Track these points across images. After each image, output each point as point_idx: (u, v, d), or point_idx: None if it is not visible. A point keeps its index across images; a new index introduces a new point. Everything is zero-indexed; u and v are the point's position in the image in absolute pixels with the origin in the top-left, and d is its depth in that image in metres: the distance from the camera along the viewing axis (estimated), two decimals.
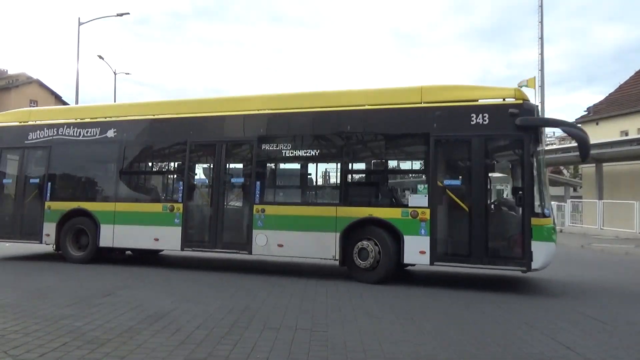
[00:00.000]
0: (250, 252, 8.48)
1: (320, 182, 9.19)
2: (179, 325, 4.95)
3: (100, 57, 29.09)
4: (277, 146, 8.68)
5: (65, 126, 10.20)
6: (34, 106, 54.39)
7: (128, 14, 22.43)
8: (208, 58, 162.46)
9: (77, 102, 21.65)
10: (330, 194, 8.94)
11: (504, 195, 7.75)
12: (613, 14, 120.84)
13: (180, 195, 9.14)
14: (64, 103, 55.11)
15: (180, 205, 9.01)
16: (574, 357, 4.28)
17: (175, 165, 9.87)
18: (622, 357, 4.37)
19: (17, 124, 10.80)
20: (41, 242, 9.93)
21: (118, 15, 21.74)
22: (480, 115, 7.42)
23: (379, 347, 4.38)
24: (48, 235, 9.85)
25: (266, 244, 8.35)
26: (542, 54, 41.67)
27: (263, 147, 8.72)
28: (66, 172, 10.41)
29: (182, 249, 8.97)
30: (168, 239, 8.99)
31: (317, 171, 8.90)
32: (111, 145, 9.73)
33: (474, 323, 5.41)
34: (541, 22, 40.78)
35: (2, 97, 51.90)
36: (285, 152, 8.68)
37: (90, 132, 9.93)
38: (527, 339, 4.77)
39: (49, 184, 10.07)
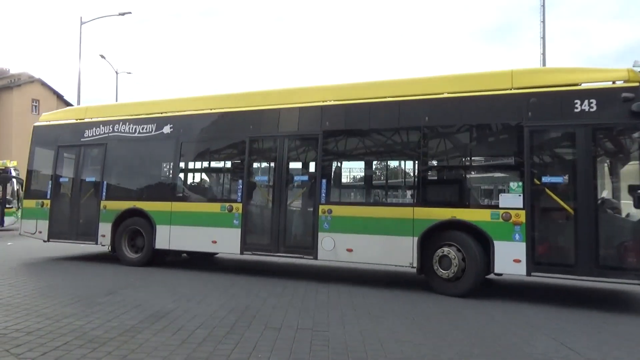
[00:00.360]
0: (315, 257, 7.75)
1: (394, 179, 8.49)
2: (180, 324, 4.95)
3: (102, 56, 29.13)
4: (344, 140, 8.05)
5: (121, 123, 9.80)
6: (35, 105, 54.51)
7: (130, 13, 22.45)
8: (210, 56, 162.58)
9: (79, 102, 21.67)
10: (406, 193, 8.15)
11: (616, 195, 6.79)
12: (616, 13, 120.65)
13: (240, 194, 8.44)
14: (67, 103, 55.26)
15: (240, 206, 8.34)
16: (575, 357, 4.27)
17: (235, 162, 9.21)
18: (623, 357, 4.36)
19: (73, 121, 10.53)
20: (97, 243, 9.64)
21: (120, 14, 21.76)
22: (586, 102, 6.33)
23: (380, 347, 4.38)
24: (103, 236, 9.54)
25: (333, 248, 7.59)
26: (544, 53, 41.51)
27: (329, 141, 8.01)
28: (122, 170, 9.95)
29: (241, 253, 8.30)
30: (226, 241, 8.37)
31: (391, 167, 8.20)
32: (167, 141, 9.25)
33: (476, 323, 5.41)
34: (543, 21, 40.62)
35: (4, 96, 52.02)
36: (354, 147, 8.06)
37: (146, 129, 9.50)
38: (529, 339, 4.77)
39: (105, 182, 9.74)
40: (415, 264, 7.07)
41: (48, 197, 10.33)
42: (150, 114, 9.63)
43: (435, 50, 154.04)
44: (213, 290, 6.97)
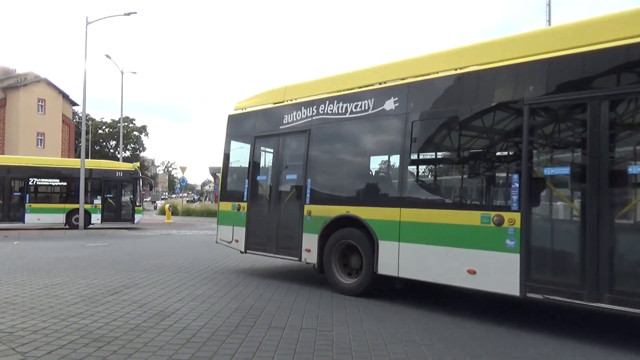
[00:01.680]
0: None
1: None
2: (185, 323, 4.97)
3: (107, 56, 29.26)
4: None
5: (327, 102, 7.48)
6: (41, 105, 54.85)
7: (135, 13, 22.45)
8: (213, 55, 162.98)
9: (84, 102, 21.73)
10: None
11: None
12: None
13: (516, 198, 5.24)
14: (73, 102, 55.55)
15: (516, 216, 5.20)
16: (581, 357, 4.26)
17: (503, 147, 5.95)
18: (629, 358, 4.34)
19: (270, 105, 8.60)
20: (300, 260, 7.47)
21: (125, 14, 21.80)
22: None
23: (384, 347, 4.38)
24: (308, 250, 7.32)
25: None
26: None
27: None
28: (329, 163, 7.66)
29: (522, 295, 5.09)
30: (493, 273, 5.35)
31: None
32: (391, 121, 6.70)
33: (481, 324, 5.39)
34: (549, 21, 40.69)
35: (11, 96, 52.35)
36: None
37: (361, 106, 7.00)
38: (534, 341, 4.75)
39: (309, 181, 7.51)
40: None
41: (245, 199, 8.57)
42: (366, 85, 7.21)
43: (441, 47, 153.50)
44: (217, 289, 6.99)
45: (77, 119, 58.17)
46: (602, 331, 5.29)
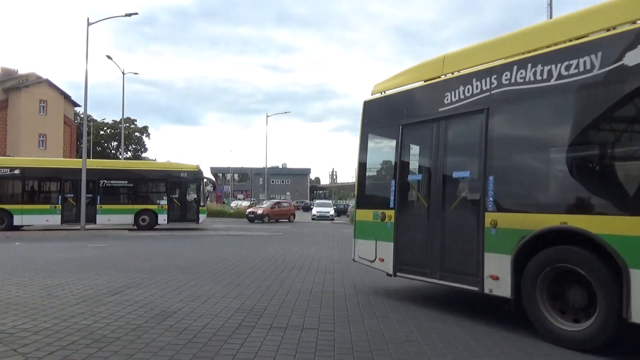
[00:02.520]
0: None
1: None
2: (186, 324, 4.97)
3: (108, 57, 29.25)
4: None
5: (515, 67, 5.36)
6: (43, 106, 54.91)
7: (136, 14, 22.45)
8: (215, 56, 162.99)
9: (85, 102, 21.77)
10: None
11: None
12: None
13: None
14: (74, 103, 55.60)
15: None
16: (582, 357, 4.24)
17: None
18: (632, 357, 4.32)
19: (421, 83, 6.72)
20: (481, 290, 5.38)
21: (126, 15, 21.82)
22: None
23: (386, 347, 4.37)
24: (495, 278, 5.22)
25: None
26: None
27: None
28: (527, 153, 5.47)
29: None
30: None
31: None
32: (628, 84, 4.41)
33: (482, 324, 5.38)
34: (550, 18, 40.77)
35: (13, 97, 52.38)
36: None
37: (577, 66, 4.75)
38: (536, 340, 4.74)
39: (491, 179, 5.41)
40: None
41: (391, 205, 6.79)
42: (574, 38, 4.95)
43: (442, 49, 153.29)
44: (218, 290, 6.98)
45: (78, 120, 58.23)
46: None
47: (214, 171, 78.46)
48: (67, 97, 55.69)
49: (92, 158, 45.10)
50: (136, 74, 33.82)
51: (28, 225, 20.91)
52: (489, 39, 6.29)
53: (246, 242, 16.05)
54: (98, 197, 20.84)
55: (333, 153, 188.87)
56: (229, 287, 7.17)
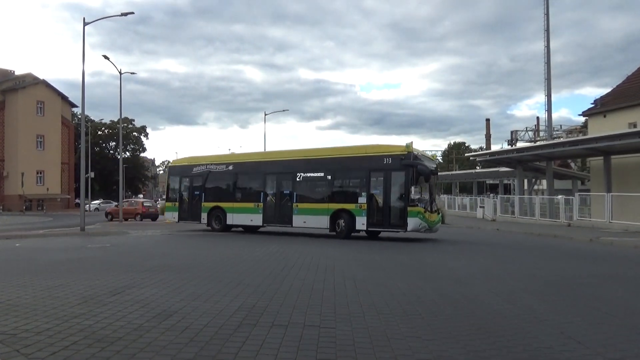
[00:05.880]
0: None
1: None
2: (188, 322, 4.97)
3: (105, 57, 29.13)
4: None
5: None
6: (40, 107, 54.73)
7: (132, 13, 22.33)
8: (210, 55, 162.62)
9: (83, 103, 21.70)
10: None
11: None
12: (618, 4, 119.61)
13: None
14: (72, 104, 55.37)
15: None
16: (583, 350, 4.26)
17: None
18: (628, 349, 4.34)
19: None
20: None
21: (123, 14, 21.74)
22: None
23: (387, 343, 4.38)
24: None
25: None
26: (547, 46, 41.21)
27: None
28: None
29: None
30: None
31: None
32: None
33: (483, 318, 5.40)
34: (547, 13, 40.17)
35: (10, 98, 52.17)
36: None
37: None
38: (537, 334, 4.76)
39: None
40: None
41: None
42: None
43: (438, 44, 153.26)
44: (220, 288, 6.99)
45: (76, 121, 58.03)
46: (604, 327, 5.28)
47: None
48: (64, 98, 55.50)
49: (91, 158, 44.92)
50: (133, 73, 33.69)
51: (235, 226, 19.16)
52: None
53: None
54: (295, 194, 17.40)
55: None
56: (231, 285, 7.18)
